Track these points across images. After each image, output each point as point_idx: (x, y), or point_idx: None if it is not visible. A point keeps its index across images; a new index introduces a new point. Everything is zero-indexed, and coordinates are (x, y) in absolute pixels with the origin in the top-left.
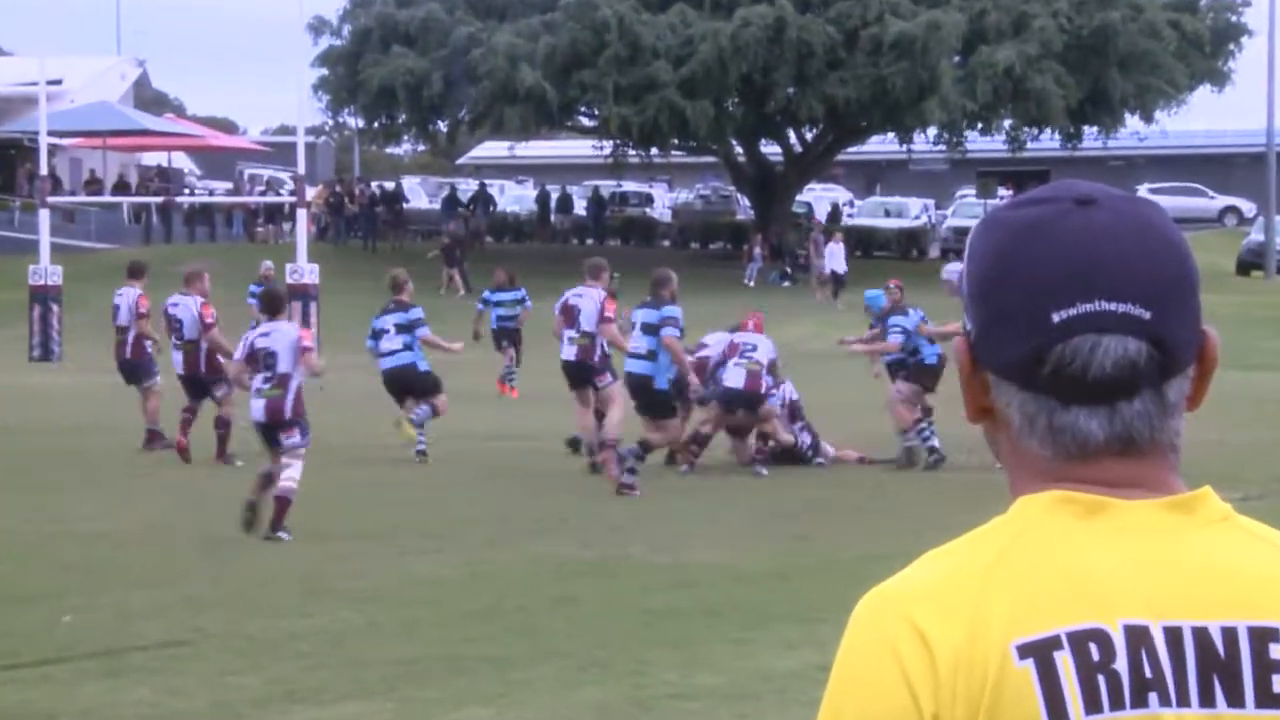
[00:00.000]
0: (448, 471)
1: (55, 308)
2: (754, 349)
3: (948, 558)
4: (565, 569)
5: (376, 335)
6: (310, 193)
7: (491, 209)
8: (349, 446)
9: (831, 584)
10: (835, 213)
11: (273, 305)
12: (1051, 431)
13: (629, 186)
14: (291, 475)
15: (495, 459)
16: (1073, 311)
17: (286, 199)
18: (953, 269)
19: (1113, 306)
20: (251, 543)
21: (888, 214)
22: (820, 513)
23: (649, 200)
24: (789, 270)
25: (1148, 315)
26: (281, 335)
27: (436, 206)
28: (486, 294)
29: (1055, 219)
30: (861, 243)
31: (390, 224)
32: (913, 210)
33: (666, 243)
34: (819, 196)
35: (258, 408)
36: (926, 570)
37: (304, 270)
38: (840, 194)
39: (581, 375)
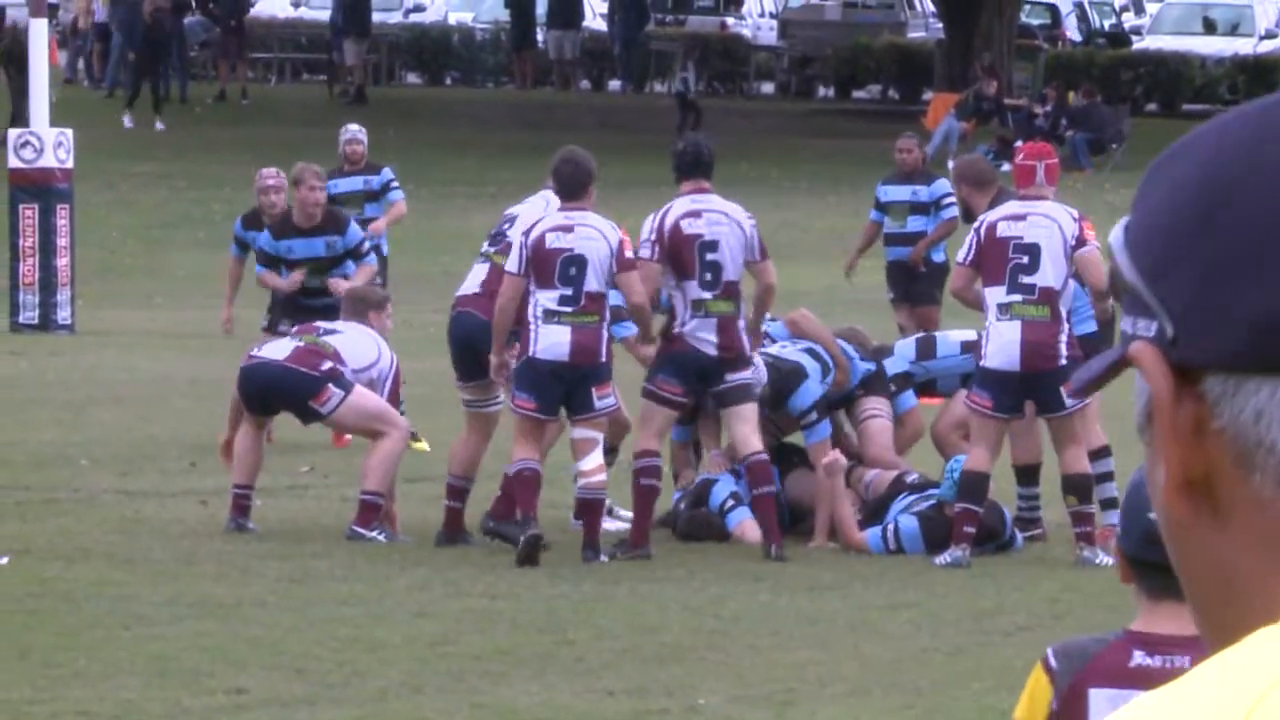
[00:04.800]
0: (323, 540)
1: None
2: (1029, 261)
3: (1179, 708)
4: None
5: None
6: None
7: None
8: (121, 493)
9: None
10: (1118, 34)
11: (574, 180)
12: None
13: None
14: (597, 462)
15: (423, 513)
16: None
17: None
18: None
19: None
20: None
21: (1210, 28)
22: (1069, 619)
23: (732, 1)
24: (1015, 139)
25: None
26: (591, 233)
27: (308, 12)
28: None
29: None
30: (1161, 84)
31: (226, 50)
32: (1260, 19)
33: (768, 86)
34: None
35: (555, 341)
36: None
37: (44, 142)
38: None
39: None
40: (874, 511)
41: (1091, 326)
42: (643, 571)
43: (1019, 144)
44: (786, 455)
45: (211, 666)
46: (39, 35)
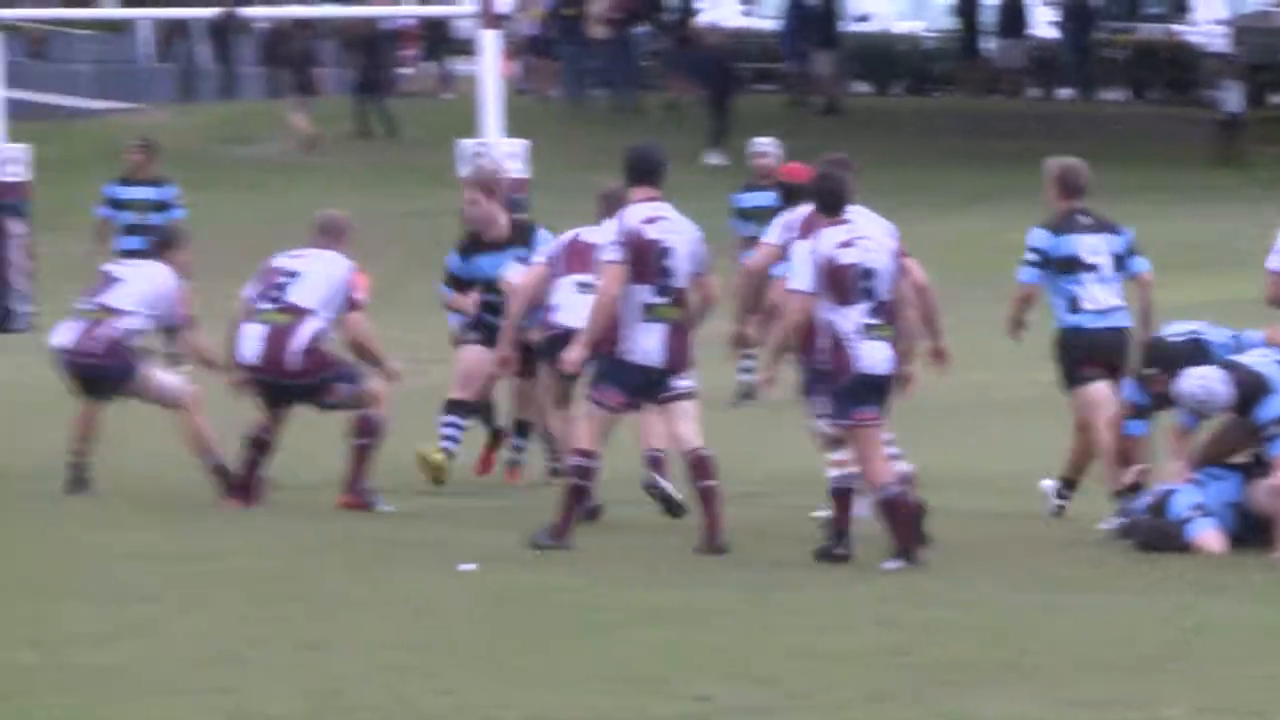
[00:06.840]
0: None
1: (17, 226)
2: None
3: None
4: None
5: None
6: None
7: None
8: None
9: None
10: None
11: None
12: None
13: None
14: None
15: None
16: None
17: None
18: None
19: None
20: None
21: None
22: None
23: (1181, 9)
24: None
25: None
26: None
27: (757, 22)
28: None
29: None
30: None
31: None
32: None
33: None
34: None
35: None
36: None
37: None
38: None
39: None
40: None
41: None
42: (1104, 581)
43: None
44: (1251, 463)
45: (670, 673)
46: (490, 47)
